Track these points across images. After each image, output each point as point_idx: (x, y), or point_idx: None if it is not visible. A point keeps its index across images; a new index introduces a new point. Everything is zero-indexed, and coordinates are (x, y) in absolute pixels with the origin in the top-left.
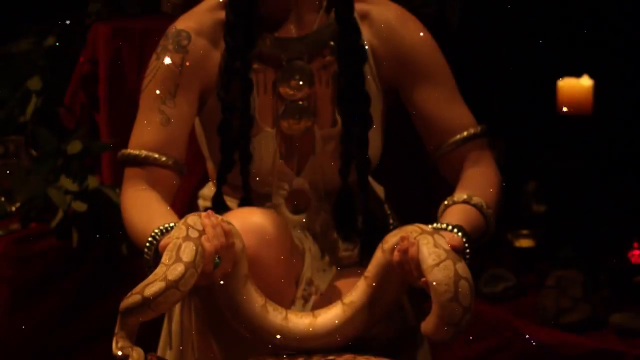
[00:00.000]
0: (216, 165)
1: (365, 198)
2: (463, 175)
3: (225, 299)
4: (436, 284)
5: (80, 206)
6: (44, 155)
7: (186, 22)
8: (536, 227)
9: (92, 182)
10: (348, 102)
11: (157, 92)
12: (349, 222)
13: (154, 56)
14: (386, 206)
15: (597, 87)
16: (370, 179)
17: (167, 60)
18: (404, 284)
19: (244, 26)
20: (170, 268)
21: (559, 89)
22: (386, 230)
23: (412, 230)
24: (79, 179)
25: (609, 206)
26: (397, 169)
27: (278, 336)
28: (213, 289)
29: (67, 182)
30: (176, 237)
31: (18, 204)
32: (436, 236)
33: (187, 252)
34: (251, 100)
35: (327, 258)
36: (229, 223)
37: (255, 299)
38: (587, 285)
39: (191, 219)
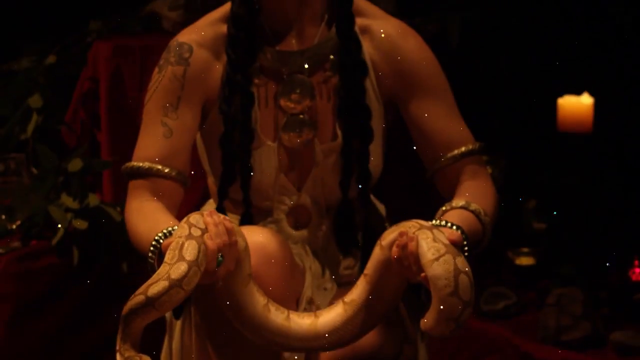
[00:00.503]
0: (217, 180)
1: (366, 213)
2: (460, 187)
3: (228, 298)
4: (436, 278)
5: (81, 224)
6: (45, 172)
7: (188, 35)
8: (536, 244)
9: (93, 199)
10: (348, 116)
11: (160, 104)
12: (350, 237)
13: (156, 69)
14: (387, 224)
15: (597, 105)
16: (372, 197)
17: (169, 73)
18: (404, 280)
19: (245, 40)
20: (174, 267)
21: (559, 107)
22: None
23: (410, 225)
24: (80, 196)
25: (609, 224)
26: (398, 188)
27: (279, 336)
28: (214, 296)
29: (67, 200)
30: (179, 236)
31: (19, 222)
32: (435, 231)
33: (190, 250)
34: (252, 114)
35: (327, 275)
36: (231, 221)
37: (258, 299)
38: (588, 303)
39: (193, 217)
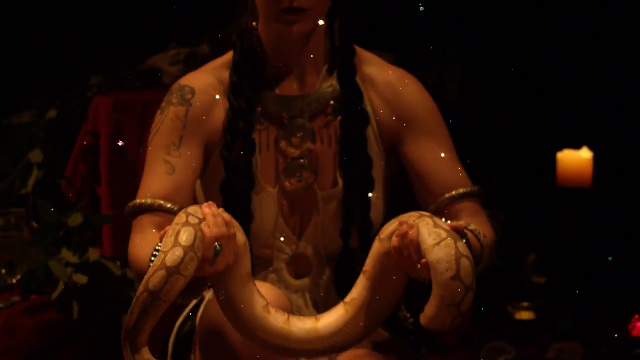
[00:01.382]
0: None
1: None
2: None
3: (227, 297)
4: (437, 262)
5: (80, 278)
6: (45, 227)
7: (190, 79)
8: (536, 299)
9: (93, 254)
10: (349, 164)
11: (162, 144)
12: (351, 288)
13: (159, 111)
14: None
15: (596, 159)
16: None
17: (171, 113)
18: (404, 276)
19: (247, 87)
20: (169, 253)
21: (559, 161)
22: None
23: (410, 215)
24: (80, 251)
25: (608, 278)
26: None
27: (279, 338)
28: (214, 299)
29: (67, 254)
30: (175, 223)
31: (19, 276)
32: (435, 218)
33: (186, 236)
34: (253, 160)
35: None
36: (230, 215)
37: (257, 299)
38: (587, 357)
39: (191, 208)
